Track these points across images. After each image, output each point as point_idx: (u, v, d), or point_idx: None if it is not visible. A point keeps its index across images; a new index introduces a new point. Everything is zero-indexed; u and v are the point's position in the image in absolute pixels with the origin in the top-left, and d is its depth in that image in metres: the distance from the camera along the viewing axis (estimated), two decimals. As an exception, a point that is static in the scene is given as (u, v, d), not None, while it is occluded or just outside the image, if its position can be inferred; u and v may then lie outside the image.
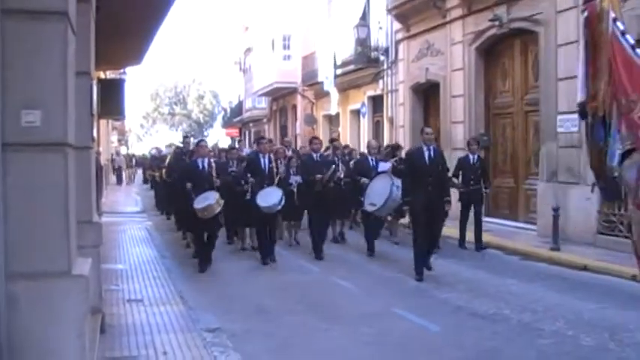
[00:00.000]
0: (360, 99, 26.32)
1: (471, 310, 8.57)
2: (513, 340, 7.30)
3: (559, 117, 14.19)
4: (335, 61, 26.81)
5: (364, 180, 12.99)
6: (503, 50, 17.12)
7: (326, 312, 8.59)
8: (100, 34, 8.01)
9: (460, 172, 13.75)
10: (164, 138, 58.29)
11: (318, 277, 10.01)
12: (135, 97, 67.32)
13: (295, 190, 13.31)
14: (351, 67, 25.48)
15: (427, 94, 20.98)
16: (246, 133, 48.55)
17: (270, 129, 40.83)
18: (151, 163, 27.40)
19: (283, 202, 11.89)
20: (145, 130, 76.25)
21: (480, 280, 10.54)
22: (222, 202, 11.28)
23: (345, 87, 27.11)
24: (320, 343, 7.28)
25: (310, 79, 30.50)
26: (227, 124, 54.30)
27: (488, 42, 17.27)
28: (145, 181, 36.46)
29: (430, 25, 19.64)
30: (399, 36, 21.95)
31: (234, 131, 51.65)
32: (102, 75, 16.96)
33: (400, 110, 22.06)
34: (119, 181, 41.14)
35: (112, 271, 10.91)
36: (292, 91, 34.31)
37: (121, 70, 21.35)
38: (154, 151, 29.41)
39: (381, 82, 23.99)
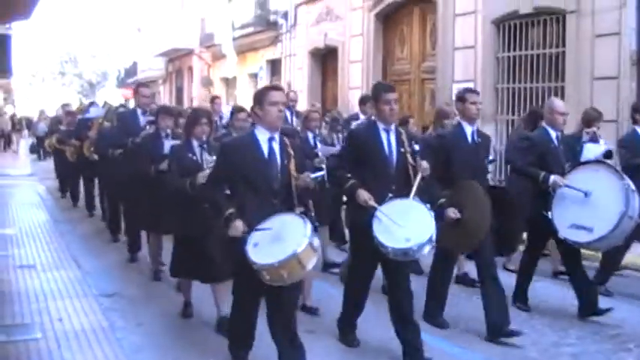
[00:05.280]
0: (258, 62, 26.08)
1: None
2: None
3: (454, 86, 14.50)
4: (233, 24, 26.47)
5: (556, 180, 6.69)
6: (402, 17, 17.29)
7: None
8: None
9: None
10: (54, 98, 56.27)
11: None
12: (23, 55, 64.33)
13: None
14: (250, 29, 25.20)
15: (325, 59, 21.01)
16: (141, 94, 47.51)
17: (165, 91, 40.06)
18: (52, 129, 18.00)
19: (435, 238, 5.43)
20: (34, 89, 73.38)
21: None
22: (318, 244, 4.80)
23: (244, 50, 26.80)
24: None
25: (207, 41, 30.02)
26: (121, 84, 52.94)
27: (388, 9, 17.39)
28: (37, 150, 30.88)
29: (330, -10, 19.63)
30: (299, 0, 21.86)
31: (129, 92, 50.47)
32: (-14, 30, 16.12)
33: (298, 75, 22.03)
34: (6, 145, 35.60)
35: None
36: (189, 53, 33.64)
37: (7, 25, 20.37)
38: (60, 112, 19.02)
39: (279, 45, 23.85)
